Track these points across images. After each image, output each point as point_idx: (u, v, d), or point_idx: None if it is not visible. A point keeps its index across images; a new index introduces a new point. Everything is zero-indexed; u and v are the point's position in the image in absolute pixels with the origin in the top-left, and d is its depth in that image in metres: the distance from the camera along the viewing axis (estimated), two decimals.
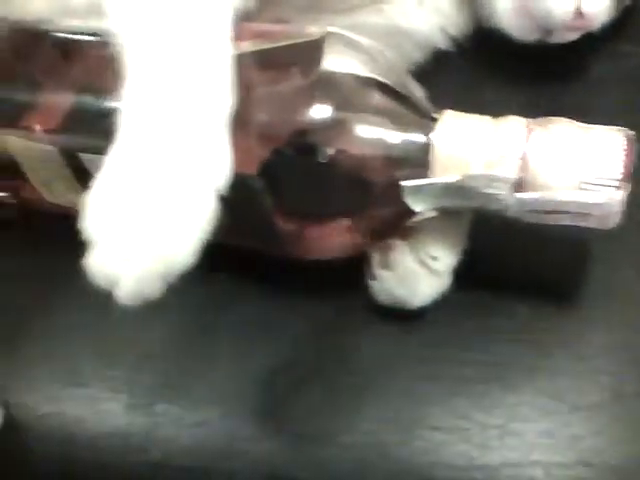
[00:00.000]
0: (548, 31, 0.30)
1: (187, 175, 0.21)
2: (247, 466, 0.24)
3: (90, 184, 0.26)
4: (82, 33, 0.31)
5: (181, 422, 0.25)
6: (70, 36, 0.31)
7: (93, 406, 0.26)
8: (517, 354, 0.25)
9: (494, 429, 0.24)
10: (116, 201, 0.21)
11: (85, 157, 0.27)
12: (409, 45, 0.32)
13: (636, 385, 0.25)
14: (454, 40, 0.33)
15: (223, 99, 0.22)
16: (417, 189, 0.23)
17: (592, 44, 0.31)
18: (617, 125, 0.23)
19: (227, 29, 0.23)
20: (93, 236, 0.21)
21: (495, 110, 0.24)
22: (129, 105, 0.22)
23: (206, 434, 0.25)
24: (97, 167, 0.26)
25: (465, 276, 0.25)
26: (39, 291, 0.30)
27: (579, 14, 0.29)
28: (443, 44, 0.33)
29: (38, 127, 0.28)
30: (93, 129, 0.27)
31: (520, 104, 0.28)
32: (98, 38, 0.30)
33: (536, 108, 0.24)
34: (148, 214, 0.21)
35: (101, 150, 0.25)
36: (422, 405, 0.24)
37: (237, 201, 0.21)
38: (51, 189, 0.30)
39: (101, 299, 0.21)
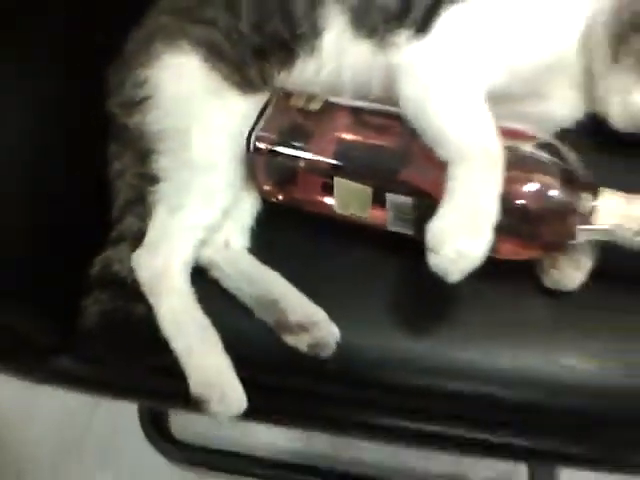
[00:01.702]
0: None
1: (481, 218, 0.42)
2: None
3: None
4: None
5: None
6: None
7: None
8: None
9: None
10: (452, 224, 0.41)
11: (390, 196, 0.47)
12: (552, 126, 0.53)
13: None
14: (578, 121, 0.54)
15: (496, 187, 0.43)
16: (586, 232, 0.44)
17: None
18: None
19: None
20: (438, 240, 0.41)
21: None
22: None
23: None
24: (395, 205, 0.47)
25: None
26: None
27: None
28: (570, 125, 0.54)
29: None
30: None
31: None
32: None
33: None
34: (467, 236, 0.41)
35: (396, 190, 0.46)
36: None
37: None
38: (347, 207, 0.50)
39: None
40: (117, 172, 0.54)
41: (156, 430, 0.95)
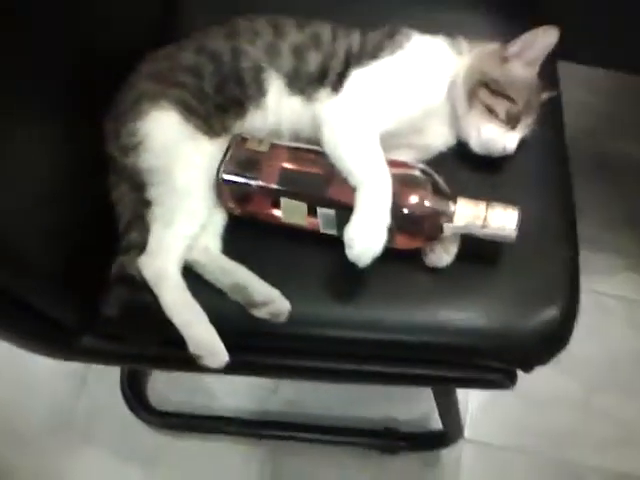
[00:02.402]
0: (491, 152, 0.74)
1: (379, 222, 0.63)
2: None
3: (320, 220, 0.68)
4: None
5: None
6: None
7: None
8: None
9: None
10: (360, 228, 0.62)
11: (320, 210, 0.68)
12: (431, 152, 0.75)
13: None
14: (449, 147, 0.77)
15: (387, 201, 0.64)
16: (450, 228, 0.67)
17: None
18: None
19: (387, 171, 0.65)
20: (352, 239, 0.62)
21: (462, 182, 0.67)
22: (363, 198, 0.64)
23: None
24: (324, 216, 0.68)
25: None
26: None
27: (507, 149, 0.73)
28: (444, 149, 0.76)
29: None
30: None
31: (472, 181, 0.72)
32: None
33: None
34: (370, 234, 0.63)
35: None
36: None
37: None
38: (290, 218, 0.70)
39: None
40: (117, 198, 0.73)
41: (137, 401, 1.14)
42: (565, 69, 0.87)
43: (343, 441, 1.10)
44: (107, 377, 1.15)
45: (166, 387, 1.17)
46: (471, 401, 1.13)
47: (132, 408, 1.13)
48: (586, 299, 1.03)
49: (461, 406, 1.05)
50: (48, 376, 1.16)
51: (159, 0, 0.87)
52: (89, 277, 0.69)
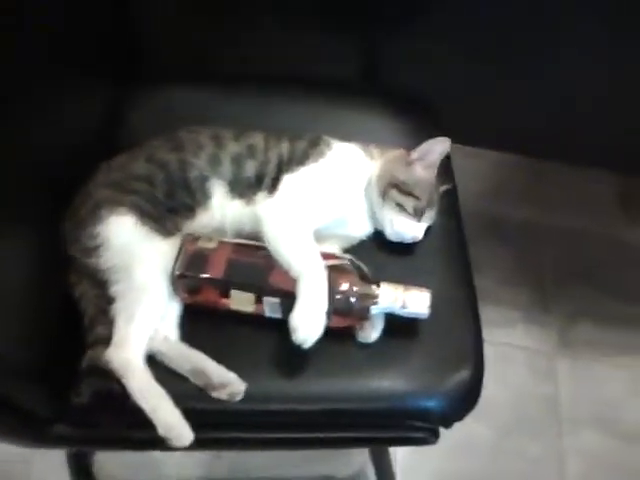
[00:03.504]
0: (403, 239, 0.88)
1: (319, 309, 0.75)
2: None
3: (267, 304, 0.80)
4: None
5: None
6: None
7: None
8: None
9: None
10: (303, 315, 0.74)
11: (265, 299, 0.79)
12: (354, 240, 0.89)
13: None
14: (368, 236, 0.90)
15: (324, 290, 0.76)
16: (375, 309, 0.80)
17: None
18: None
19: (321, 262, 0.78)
20: (296, 325, 0.73)
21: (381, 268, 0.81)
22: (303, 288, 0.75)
23: None
24: (269, 303, 0.79)
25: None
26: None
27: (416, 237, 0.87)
28: (364, 238, 0.90)
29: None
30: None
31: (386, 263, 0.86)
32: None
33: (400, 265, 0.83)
34: (312, 321, 0.74)
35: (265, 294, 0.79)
36: None
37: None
38: (238, 305, 0.81)
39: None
40: (80, 295, 0.81)
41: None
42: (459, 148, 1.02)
43: None
44: (53, 457, 1.18)
45: (112, 462, 1.21)
46: (399, 452, 1.25)
47: None
48: (492, 350, 1.19)
49: (391, 457, 1.16)
50: None
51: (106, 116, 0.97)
52: (60, 369, 0.76)
